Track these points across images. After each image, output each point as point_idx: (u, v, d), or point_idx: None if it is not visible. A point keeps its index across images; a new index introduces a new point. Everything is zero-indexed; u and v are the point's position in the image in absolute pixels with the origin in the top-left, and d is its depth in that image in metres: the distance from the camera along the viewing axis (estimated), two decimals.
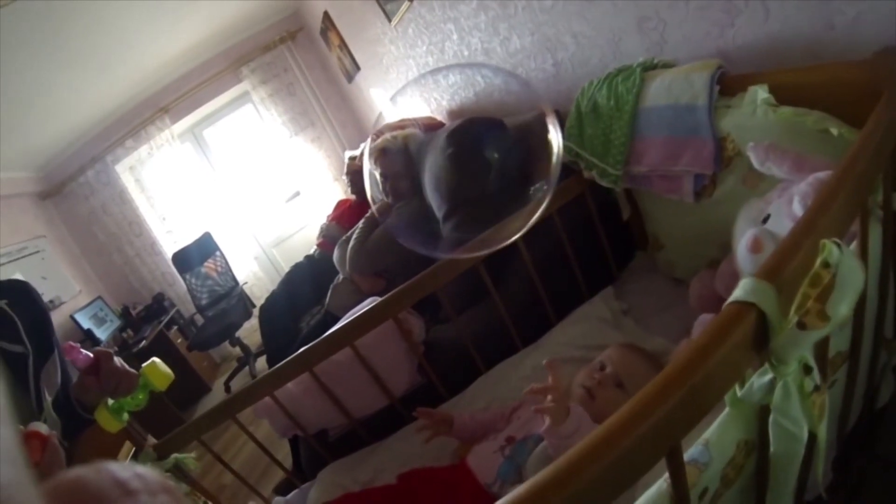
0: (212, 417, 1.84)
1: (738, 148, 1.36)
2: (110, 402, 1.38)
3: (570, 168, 1.84)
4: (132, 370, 1.39)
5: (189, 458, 1.78)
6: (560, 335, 1.88)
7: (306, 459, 2.10)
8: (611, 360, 1.47)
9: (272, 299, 3.98)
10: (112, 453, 1.85)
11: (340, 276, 2.94)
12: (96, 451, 1.73)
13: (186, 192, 6.19)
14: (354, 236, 2.71)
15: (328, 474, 1.89)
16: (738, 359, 0.64)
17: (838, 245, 0.61)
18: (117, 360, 1.34)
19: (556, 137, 1.18)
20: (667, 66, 1.57)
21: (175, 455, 1.76)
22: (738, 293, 0.64)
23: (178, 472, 1.76)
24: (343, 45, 4.90)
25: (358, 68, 4.95)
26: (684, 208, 1.61)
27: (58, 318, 5.03)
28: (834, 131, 1.08)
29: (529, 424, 1.45)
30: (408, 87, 3.13)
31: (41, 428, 1.10)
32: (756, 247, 1.04)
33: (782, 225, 1.05)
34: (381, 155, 2.59)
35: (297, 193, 6.50)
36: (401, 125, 2.89)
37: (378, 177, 2.63)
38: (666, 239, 1.85)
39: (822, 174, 0.95)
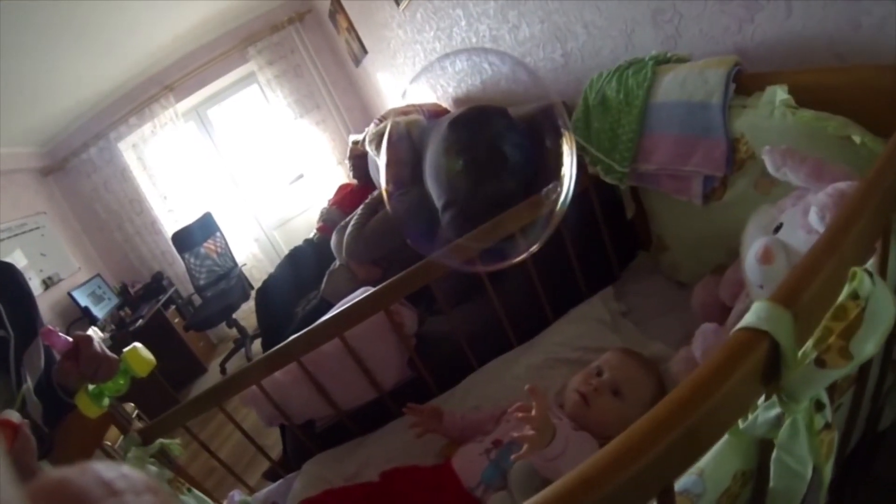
0: (197, 405, 1.82)
1: (751, 150, 1.29)
2: (90, 387, 1.34)
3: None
4: (112, 355, 1.35)
5: (174, 443, 1.75)
6: (556, 334, 1.83)
7: (292, 449, 2.07)
8: (608, 366, 1.42)
9: (269, 282, 3.95)
10: (97, 437, 1.82)
11: (337, 263, 2.90)
12: (82, 435, 1.70)
13: (189, 171, 6.16)
14: (352, 222, 2.67)
15: (313, 466, 1.87)
16: (745, 393, 0.57)
17: (870, 275, 0.54)
18: (97, 345, 1.30)
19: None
20: (681, 60, 1.50)
21: (160, 440, 1.73)
22: (749, 319, 0.56)
23: (163, 457, 1.73)
24: (351, 27, 4.85)
25: (365, 52, 4.90)
26: (692, 210, 1.54)
27: (55, 295, 5.07)
28: (856, 139, 1.02)
29: (518, 428, 1.40)
30: (421, 74, 3.07)
31: (13, 416, 1.08)
32: (766, 257, 0.99)
33: (796, 236, 0.99)
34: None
35: (301, 176, 6.46)
36: (405, 111, 2.84)
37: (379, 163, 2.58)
38: (671, 240, 1.78)
39: (843, 184, 0.88)
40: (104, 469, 0.37)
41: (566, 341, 1.77)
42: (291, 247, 4.43)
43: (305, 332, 1.75)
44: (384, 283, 1.74)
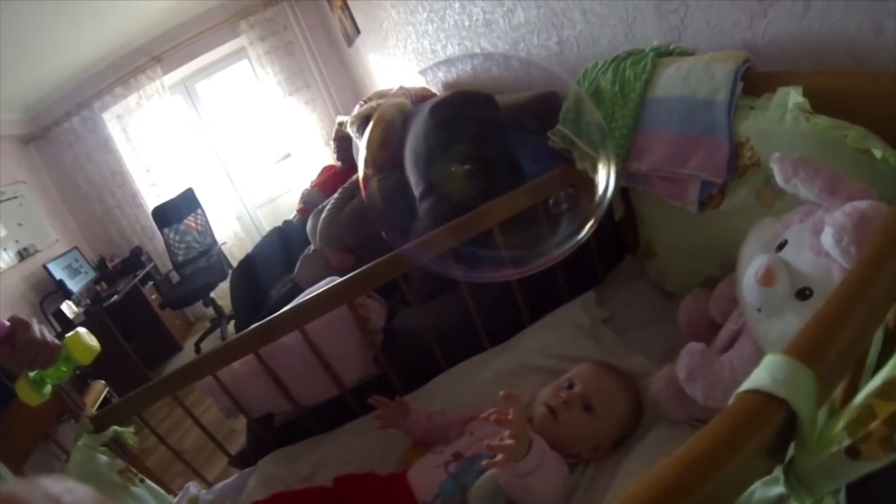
0: (151, 393, 1.75)
1: (757, 156, 1.18)
2: (31, 373, 1.28)
3: (562, 157, 1.67)
4: (54, 341, 1.29)
5: (128, 431, 1.70)
6: (531, 339, 1.73)
7: (251, 442, 2.00)
8: (581, 379, 1.33)
9: (245, 263, 3.89)
10: (44, 425, 1.78)
11: (311, 247, 2.82)
12: (27, 423, 1.64)
13: (173, 145, 6.08)
14: (328, 207, 2.59)
15: (269, 464, 1.80)
16: (747, 475, 0.44)
17: None
18: (36, 330, 1.25)
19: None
20: (684, 53, 1.40)
21: (114, 427, 1.67)
22: (761, 378, 0.43)
23: (117, 445, 1.67)
24: (345, 6, 4.78)
25: (358, 32, 4.83)
26: (685, 217, 1.44)
27: (31, 266, 5.00)
28: (877, 153, 0.90)
29: (481, 442, 1.31)
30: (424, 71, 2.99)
31: None
32: (767, 279, 0.88)
33: (802, 257, 0.88)
34: (364, 123, 2.45)
35: (288, 155, 6.42)
36: (387, 94, 2.76)
37: (359, 145, 2.51)
38: (660, 247, 1.68)
39: (862, 204, 0.76)
40: (51, 483, 0.40)
41: (541, 347, 1.68)
42: (274, 226, 4.37)
43: (264, 323, 1.67)
44: (349, 275, 1.66)
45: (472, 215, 1.60)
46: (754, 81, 1.21)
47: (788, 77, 1.13)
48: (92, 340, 1.39)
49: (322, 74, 6.23)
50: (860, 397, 0.41)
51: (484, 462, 1.09)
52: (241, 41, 5.92)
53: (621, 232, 1.89)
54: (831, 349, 0.44)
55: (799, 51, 1.21)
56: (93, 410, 1.75)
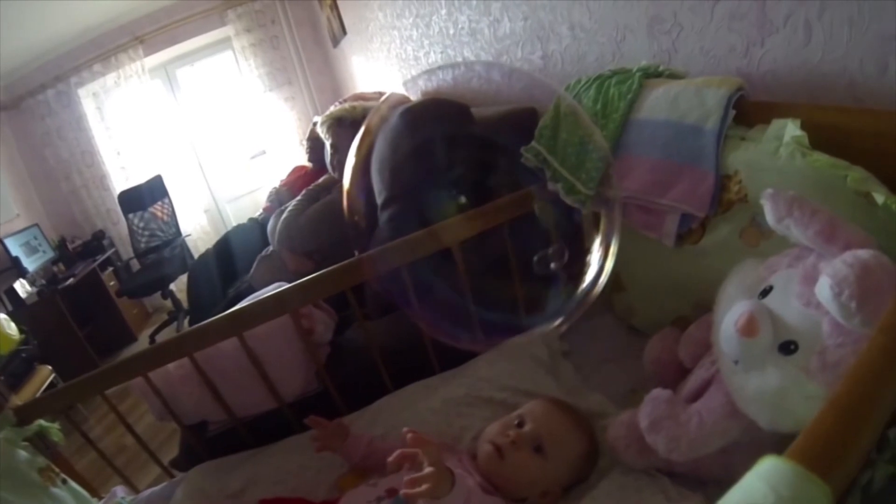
0: (80, 390, 1.64)
1: (745, 191, 1.09)
2: None
3: (534, 175, 1.59)
4: None
5: (53, 427, 1.59)
6: (485, 368, 1.62)
7: (183, 449, 1.89)
8: (533, 417, 1.24)
9: (204, 259, 3.78)
10: None
11: (269, 248, 2.73)
12: None
13: (147, 129, 5.98)
14: (289, 209, 2.49)
15: (197, 476, 1.67)
16: None
17: None
18: None
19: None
20: (674, 76, 1.32)
21: (39, 422, 1.56)
22: (760, 494, 0.30)
23: (41, 441, 1.57)
24: (334, 5, 4.75)
25: (345, 33, 4.81)
26: (660, 251, 1.35)
27: None
28: (879, 198, 0.82)
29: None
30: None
31: None
32: (749, 328, 0.79)
33: (789, 306, 0.79)
34: (335, 124, 2.37)
35: (263, 152, 6.36)
36: (364, 97, 2.68)
37: (328, 147, 2.41)
38: (629, 280, 1.59)
39: (865, 254, 0.67)
40: None
41: (494, 377, 1.56)
42: (247, 220, 4.25)
43: (200, 326, 1.57)
44: (295, 283, 1.56)
45: (431, 230, 1.52)
46: (747, 111, 1.14)
47: (785, 109, 1.06)
48: (11, 329, 1.29)
49: (305, 72, 6.20)
50: None
51: (403, 491, 1.00)
52: (226, 31, 5.87)
53: None
54: (853, 451, 0.32)
55: (796, 84, 1.14)
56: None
